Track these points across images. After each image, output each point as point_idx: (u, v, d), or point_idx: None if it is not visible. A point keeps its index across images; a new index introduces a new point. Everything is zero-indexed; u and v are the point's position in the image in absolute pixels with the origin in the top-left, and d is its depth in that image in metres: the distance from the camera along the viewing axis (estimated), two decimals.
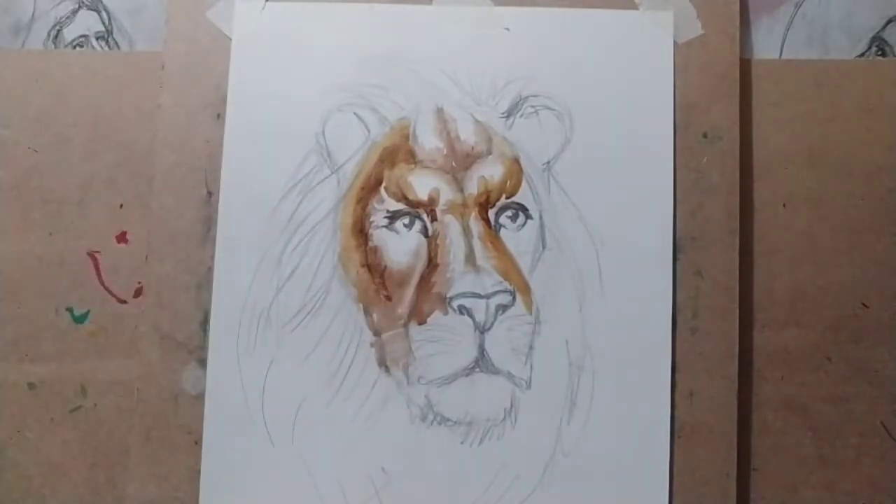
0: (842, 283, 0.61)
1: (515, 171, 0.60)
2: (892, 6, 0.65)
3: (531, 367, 0.58)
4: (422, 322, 0.58)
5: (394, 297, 0.59)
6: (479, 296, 0.58)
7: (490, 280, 0.58)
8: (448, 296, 0.58)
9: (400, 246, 0.59)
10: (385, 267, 0.59)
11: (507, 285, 0.58)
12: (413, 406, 0.58)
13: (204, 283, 0.59)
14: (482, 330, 0.58)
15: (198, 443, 0.58)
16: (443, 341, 0.58)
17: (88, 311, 0.61)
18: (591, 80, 0.61)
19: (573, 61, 0.61)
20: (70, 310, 0.61)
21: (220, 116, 0.61)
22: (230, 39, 0.62)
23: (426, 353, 0.58)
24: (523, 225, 0.60)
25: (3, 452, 0.59)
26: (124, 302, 0.61)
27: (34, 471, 0.59)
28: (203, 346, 0.59)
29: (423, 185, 0.60)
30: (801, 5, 0.65)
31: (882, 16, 0.65)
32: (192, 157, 0.61)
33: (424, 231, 0.59)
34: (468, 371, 0.58)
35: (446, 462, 0.58)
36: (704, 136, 0.61)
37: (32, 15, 0.65)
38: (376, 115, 0.61)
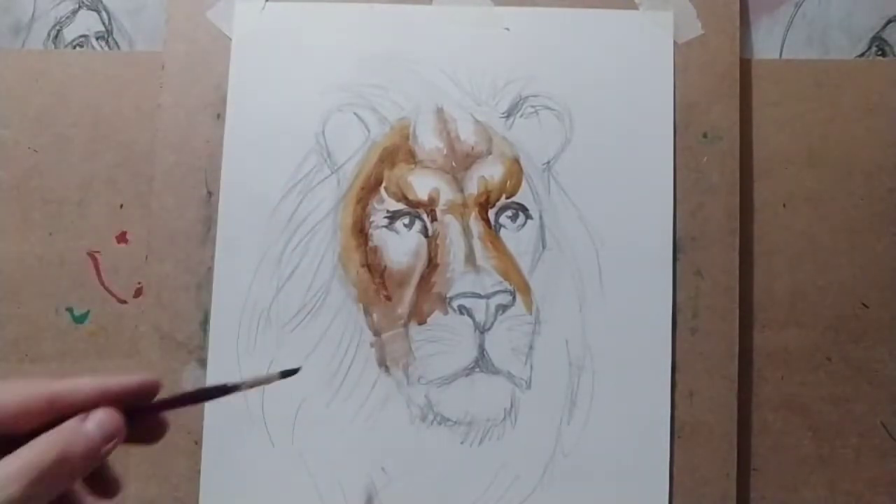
0: (842, 283, 0.61)
1: (515, 171, 0.60)
2: (892, 6, 0.65)
3: (531, 367, 0.58)
4: (422, 322, 0.58)
5: (394, 297, 0.59)
6: (479, 296, 0.58)
7: (490, 280, 0.58)
8: (448, 296, 0.58)
9: (400, 246, 0.59)
10: (385, 267, 0.59)
11: (507, 285, 0.58)
12: (413, 406, 0.58)
13: (204, 283, 0.59)
14: (482, 330, 0.58)
15: (198, 443, 0.58)
16: (443, 341, 0.58)
17: (88, 311, 0.61)
18: (591, 80, 0.61)
19: (573, 61, 0.61)
20: (70, 310, 0.61)
21: (220, 116, 0.61)
22: (230, 39, 0.62)
23: (426, 353, 0.58)
24: (523, 225, 0.60)
25: None
26: (124, 302, 0.61)
27: None
28: (203, 346, 0.59)
29: (423, 185, 0.60)
30: (801, 5, 0.65)
31: (882, 16, 0.65)
32: (192, 157, 0.61)
33: (424, 231, 0.59)
34: (468, 371, 0.58)
35: (446, 462, 0.58)
36: (704, 136, 0.61)
37: (32, 15, 0.65)
38: (376, 115, 0.61)
